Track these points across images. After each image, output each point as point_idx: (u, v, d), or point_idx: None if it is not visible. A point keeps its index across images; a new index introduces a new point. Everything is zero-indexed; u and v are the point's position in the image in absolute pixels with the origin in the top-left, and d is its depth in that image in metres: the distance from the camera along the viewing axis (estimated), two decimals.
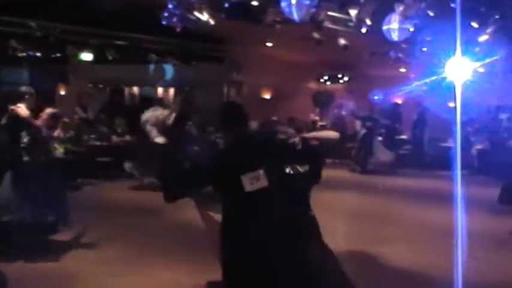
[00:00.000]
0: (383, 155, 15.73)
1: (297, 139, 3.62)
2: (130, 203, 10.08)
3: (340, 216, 9.93)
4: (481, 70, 16.63)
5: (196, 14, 8.43)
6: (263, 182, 3.31)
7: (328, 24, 8.58)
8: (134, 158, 11.72)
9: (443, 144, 17.81)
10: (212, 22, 8.63)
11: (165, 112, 11.17)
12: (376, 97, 20.25)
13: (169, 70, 17.70)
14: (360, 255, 7.23)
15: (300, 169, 3.71)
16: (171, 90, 19.27)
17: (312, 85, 22.28)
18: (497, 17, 7.92)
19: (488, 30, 8.33)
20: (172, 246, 7.17)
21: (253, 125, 18.34)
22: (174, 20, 8.40)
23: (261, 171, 3.32)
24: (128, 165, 11.81)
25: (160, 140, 10.51)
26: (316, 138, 4.05)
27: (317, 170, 4.00)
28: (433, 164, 17.24)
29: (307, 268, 3.37)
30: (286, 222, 3.39)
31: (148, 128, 10.77)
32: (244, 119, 3.64)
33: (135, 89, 19.86)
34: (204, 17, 8.48)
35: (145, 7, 9.92)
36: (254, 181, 3.29)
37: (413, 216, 9.91)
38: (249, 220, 3.39)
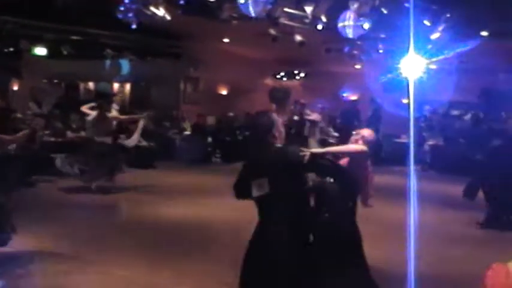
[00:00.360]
0: None
1: (307, 154, 3.73)
2: (86, 199, 9.97)
3: None
4: (434, 67, 17.06)
5: (152, 9, 8.36)
6: (266, 189, 3.64)
7: (284, 20, 8.66)
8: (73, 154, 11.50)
9: (397, 140, 18.16)
10: (168, 17, 8.58)
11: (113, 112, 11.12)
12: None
13: (125, 65, 17.54)
14: None
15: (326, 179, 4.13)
16: (127, 86, 19.11)
17: (269, 81, 22.37)
18: (448, 15, 8.13)
19: (440, 28, 8.54)
20: (127, 243, 7.13)
21: (210, 120, 18.38)
22: (130, 15, 8.32)
23: (266, 179, 3.64)
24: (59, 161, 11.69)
25: (105, 139, 10.34)
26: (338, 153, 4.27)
27: (343, 184, 4.17)
28: (387, 159, 17.55)
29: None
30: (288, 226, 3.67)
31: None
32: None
33: (91, 84, 19.62)
34: (160, 12, 8.42)
35: (101, 1, 9.81)
36: (260, 187, 3.65)
37: (370, 212, 10.05)
38: (259, 222, 3.94)
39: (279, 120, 3.85)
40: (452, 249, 7.58)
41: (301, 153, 3.73)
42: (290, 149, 3.80)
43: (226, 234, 7.87)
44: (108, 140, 10.52)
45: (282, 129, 3.88)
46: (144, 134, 14.52)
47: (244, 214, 9.16)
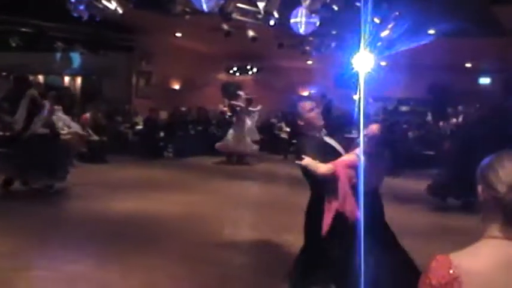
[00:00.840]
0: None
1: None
2: (35, 194, 9.79)
3: (248, 205, 10.16)
4: (383, 63, 17.41)
5: (104, 2, 8.28)
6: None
7: (237, 16, 8.70)
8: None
9: (348, 135, 18.43)
10: (120, 11, 8.50)
11: None
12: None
13: (76, 58, 17.28)
14: (269, 244, 7.43)
15: None
16: (78, 79, 18.82)
17: (221, 76, 22.43)
18: (397, 13, 8.33)
19: (389, 26, 8.74)
20: (76, 238, 7.04)
21: (163, 114, 18.23)
22: (81, 7, 8.21)
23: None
24: None
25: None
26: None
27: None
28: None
29: None
30: None
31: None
32: None
33: (40, 78, 19.22)
34: (112, 5, 8.34)
35: None
36: None
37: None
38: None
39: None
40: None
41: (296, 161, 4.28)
42: None
43: (176, 228, 7.89)
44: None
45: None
46: (96, 128, 14.39)
47: (194, 208, 9.27)
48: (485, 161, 1.76)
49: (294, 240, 7.63)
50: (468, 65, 18.54)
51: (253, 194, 11.41)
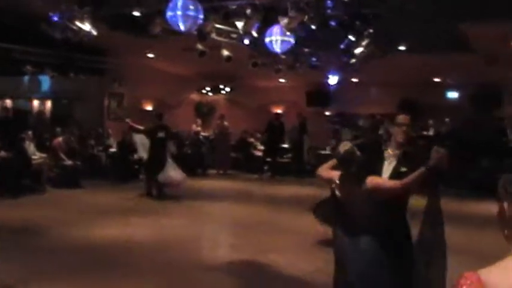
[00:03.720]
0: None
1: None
2: (11, 221, 9.57)
3: (225, 226, 10.10)
4: (355, 80, 17.61)
5: (78, 24, 8.20)
6: None
7: (213, 36, 8.70)
8: None
9: (322, 152, 18.54)
10: (95, 33, 8.43)
11: None
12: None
13: (45, 82, 17.04)
14: (253, 264, 7.37)
15: None
16: (48, 103, 18.56)
17: (194, 96, 22.38)
18: (371, 30, 8.44)
19: (363, 43, 8.84)
20: (50, 267, 6.89)
21: (137, 136, 17.94)
22: (55, 30, 8.12)
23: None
24: None
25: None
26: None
27: None
28: (312, 171, 17.84)
29: None
30: None
31: None
32: None
33: (8, 102, 18.90)
34: (87, 27, 8.27)
35: (23, 16, 9.52)
36: None
37: (296, 224, 10.23)
38: None
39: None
40: None
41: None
42: None
43: (157, 253, 7.79)
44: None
45: None
46: (69, 153, 14.17)
47: (174, 232, 9.16)
48: (508, 178, 1.75)
49: (278, 259, 7.62)
50: (437, 79, 18.85)
51: (231, 215, 11.34)
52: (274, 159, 18.20)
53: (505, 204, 1.72)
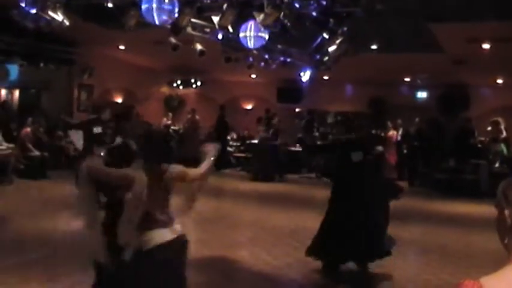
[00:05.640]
0: None
1: None
2: None
3: (192, 221, 10.08)
4: (327, 78, 17.70)
5: (51, 13, 8.04)
6: None
7: (188, 30, 8.64)
8: None
9: (292, 149, 18.65)
10: (67, 23, 8.28)
11: None
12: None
13: (14, 71, 16.71)
14: (221, 260, 7.39)
15: None
16: (16, 92, 18.22)
17: (164, 89, 22.25)
18: (345, 29, 8.52)
19: (337, 41, 8.90)
20: (19, 257, 6.82)
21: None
22: (26, 19, 7.96)
23: None
24: None
25: None
26: None
27: None
28: (283, 167, 17.98)
29: None
30: None
31: None
32: None
33: None
34: (59, 17, 8.12)
35: None
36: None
37: (264, 219, 10.30)
38: None
39: None
40: None
41: None
42: None
43: None
44: None
45: None
46: (37, 143, 13.97)
47: None
48: (508, 184, 1.72)
49: (247, 255, 7.65)
50: (407, 79, 19.09)
51: (200, 210, 11.31)
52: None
53: (506, 212, 1.68)
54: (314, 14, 7.68)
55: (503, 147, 15.13)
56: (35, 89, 17.93)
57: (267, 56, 10.89)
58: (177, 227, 3.91)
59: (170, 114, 20.27)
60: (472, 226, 10.16)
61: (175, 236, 3.84)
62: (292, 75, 13.66)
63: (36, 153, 13.70)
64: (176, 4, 7.17)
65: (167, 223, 3.84)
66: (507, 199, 1.68)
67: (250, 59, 11.11)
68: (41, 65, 15.59)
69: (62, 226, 8.69)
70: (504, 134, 15.33)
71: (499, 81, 17.76)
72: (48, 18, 7.84)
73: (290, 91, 19.82)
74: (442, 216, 11.57)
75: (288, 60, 11.37)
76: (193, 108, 19.29)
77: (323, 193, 11.29)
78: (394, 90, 19.42)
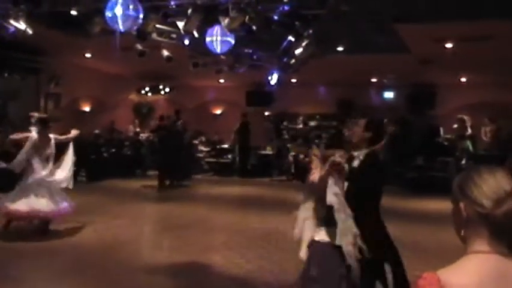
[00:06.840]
0: None
1: None
2: None
3: (165, 228, 10.04)
4: (294, 80, 17.79)
5: (13, 22, 7.96)
6: None
7: (153, 36, 8.61)
8: None
9: (263, 152, 18.70)
10: (30, 32, 8.20)
11: None
12: None
13: None
14: (194, 265, 7.36)
15: None
16: None
17: (133, 96, 22.11)
18: (310, 31, 8.56)
19: (303, 44, 8.96)
20: None
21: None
22: None
23: None
24: None
25: None
26: None
27: None
28: (254, 171, 18.03)
29: None
30: None
31: None
32: None
33: None
34: (22, 26, 8.03)
35: None
36: None
37: (236, 223, 10.30)
38: None
39: None
40: None
41: None
42: None
43: (101, 255, 7.68)
44: None
45: None
46: (3, 155, 13.71)
47: (117, 233, 9.04)
48: (463, 178, 1.75)
49: (220, 259, 7.64)
50: (373, 79, 19.29)
51: (173, 216, 11.28)
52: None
53: (461, 205, 1.71)
54: (280, 17, 7.70)
55: (469, 144, 15.40)
56: (1, 99, 17.62)
57: (234, 60, 10.95)
58: None
59: (137, 121, 20.15)
60: (443, 222, 10.22)
61: None
62: (261, 79, 13.74)
63: (3, 164, 13.44)
64: (141, 10, 7.14)
65: None
66: (463, 192, 1.71)
67: (218, 63, 11.15)
68: (6, 75, 15.33)
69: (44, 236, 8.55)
70: (470, 131, 15.61)
71: (463, 79, 18.07)
72: (10, 27, 7.77)
73: (259, 94, 19.87)
74: (413, 213, 11.72)
75: (256, 63, 11.44)
76: (162, 115, 18.97)
77: (295, 196, 11.43)
78: (362, 91, 19.62)
